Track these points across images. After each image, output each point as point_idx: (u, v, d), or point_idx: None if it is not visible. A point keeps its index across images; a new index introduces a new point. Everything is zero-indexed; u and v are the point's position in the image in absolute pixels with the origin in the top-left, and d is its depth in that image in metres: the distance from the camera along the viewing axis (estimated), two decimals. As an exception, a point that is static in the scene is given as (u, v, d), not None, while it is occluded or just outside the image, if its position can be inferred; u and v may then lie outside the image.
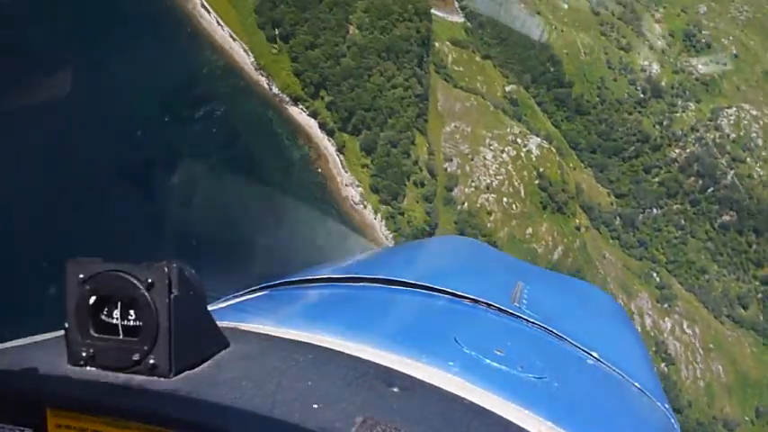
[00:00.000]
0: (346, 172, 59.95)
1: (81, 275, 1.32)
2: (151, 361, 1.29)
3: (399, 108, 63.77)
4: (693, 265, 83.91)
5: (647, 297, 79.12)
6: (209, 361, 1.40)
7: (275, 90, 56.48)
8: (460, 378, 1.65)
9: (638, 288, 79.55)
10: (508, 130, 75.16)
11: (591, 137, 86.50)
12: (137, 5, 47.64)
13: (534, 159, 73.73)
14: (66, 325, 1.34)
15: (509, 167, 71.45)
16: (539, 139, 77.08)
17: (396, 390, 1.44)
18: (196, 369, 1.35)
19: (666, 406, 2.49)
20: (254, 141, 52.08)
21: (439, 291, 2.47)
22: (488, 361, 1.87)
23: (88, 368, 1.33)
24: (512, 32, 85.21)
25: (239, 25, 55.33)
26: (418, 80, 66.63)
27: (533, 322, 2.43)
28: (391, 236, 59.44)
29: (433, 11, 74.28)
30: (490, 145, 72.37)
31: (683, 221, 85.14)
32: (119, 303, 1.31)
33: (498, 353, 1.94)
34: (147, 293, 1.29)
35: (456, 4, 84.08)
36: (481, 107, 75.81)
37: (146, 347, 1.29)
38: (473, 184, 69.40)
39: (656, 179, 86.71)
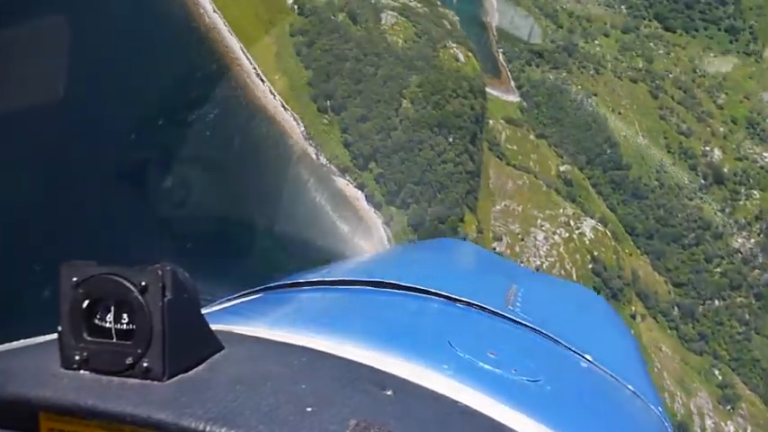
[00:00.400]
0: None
1: (74, 278, 1.33)
2: (145, 364, 1.30)
3: (449, 184, 62.59)
4: (758, 363, 78.24)
5: (707, 396, 73.75)
6: (203, 364, 1.41)
7: (323, 160, 56.32)
8: (454, 381, 1.67)
9: (698, 386, 74.31)
10: (561, 210, 73.02)
11: (648, 222, 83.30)
12: (192, 69, 48.65)
13: (588, 243, 71.09)
14: (60, 328, 1.35)
15: (561, 250, 68.95)
16: (593, 221, 74.57)
17: (389, 393, 1.45)
18: (190, 372, 1.36)
19: (660, 409, 2.48)
20: (297, 209, 51.67)
21: (433, 293, 2.47)
22: (482, 364, 1.88)
23: (81, 372, 1.34)
24: (567, 113, 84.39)
25: (292, 96, 55.88)
26: (470, 156, 65.65)
27: (527, 325, 2.43)
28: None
29: (488, 89, 74.02)
30: (542, 225, 70.26)
31: (747, 316, 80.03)
32: (112, 307, 1.32)
33: (492, 356, 1.94)
34: (140, 297, 1.30)
35: (512, 84, 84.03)
36: (534, 186, 74.14)
37: (139, 351, 1.30)
38: (523, 265, 66.97)
39: (718, 269, 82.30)
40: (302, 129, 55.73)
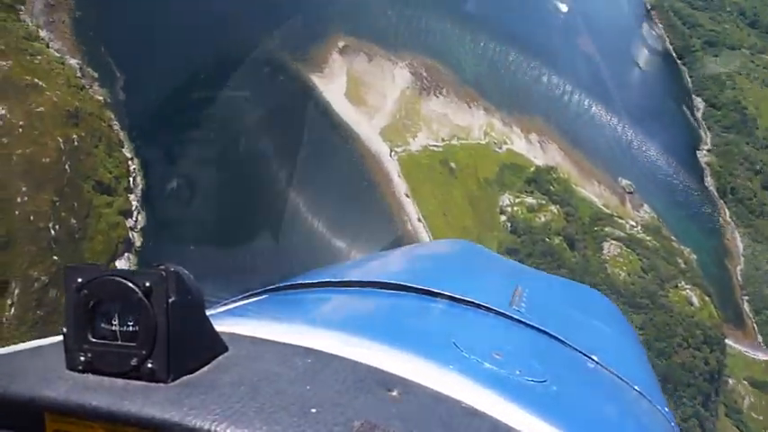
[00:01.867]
0: None
1: (79, 280, 1.34)
2: (149, 366, 1.31)
3: (671, 452, 50.88)
4: None
5: None
6: (208, 366, 1.42)
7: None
8: (460, 382, 1.68)
9: None
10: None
11: None
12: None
13: None
14: (65, 330, 1.36)
15: None
16: None
17: (394, 394, 1.45)
18: (194, 374, 1.37)
19: (666, 409, 2.45)
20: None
21: (438, 294, 2.48)
22: (487, 365, 1.89)
23: (86, 373, 1.34)
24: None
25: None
26: (700, 423, 53.77)
27: (532, 326, 2.43)
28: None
29: (728, 342, 62.59)
30: None
31: None
32: (117, 309, 1.33)
33: (497, 356, 1.95)
34: (145, 299, 1.30)
35: (759, 339, 70.79)
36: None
37: (144, 352, 1.31)
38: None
39: None
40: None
